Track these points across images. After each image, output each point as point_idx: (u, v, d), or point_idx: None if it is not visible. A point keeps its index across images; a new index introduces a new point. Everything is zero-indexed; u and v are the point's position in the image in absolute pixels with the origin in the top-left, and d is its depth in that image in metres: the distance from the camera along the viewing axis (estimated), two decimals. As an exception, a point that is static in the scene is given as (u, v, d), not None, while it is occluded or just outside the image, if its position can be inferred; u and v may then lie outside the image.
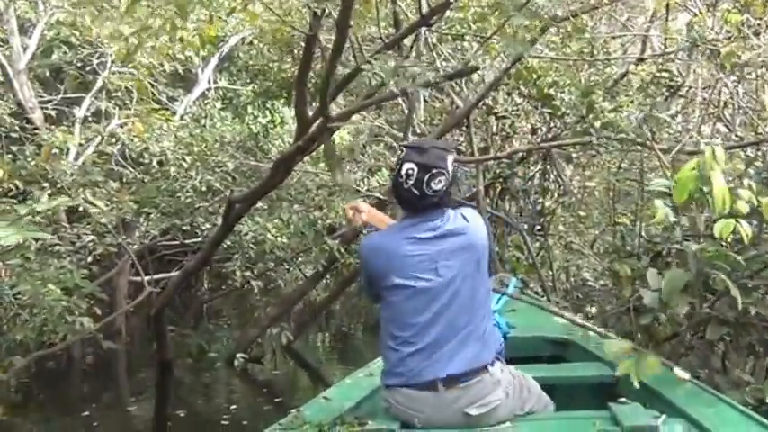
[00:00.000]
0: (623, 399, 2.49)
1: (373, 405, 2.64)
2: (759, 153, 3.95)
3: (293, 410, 2.51)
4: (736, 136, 4.65)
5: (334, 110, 4.79)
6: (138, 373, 7.25)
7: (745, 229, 2.71)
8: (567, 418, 2.50)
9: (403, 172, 2.29)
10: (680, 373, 2.74)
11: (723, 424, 2.28)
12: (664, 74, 3.97)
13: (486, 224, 2.44)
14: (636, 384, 2.61)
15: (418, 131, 7.81)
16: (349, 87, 5.74)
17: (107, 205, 4.83)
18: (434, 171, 2.28)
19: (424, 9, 3.96)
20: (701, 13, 4.99)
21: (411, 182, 2.28)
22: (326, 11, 3.61)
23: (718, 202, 2.68)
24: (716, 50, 3.64)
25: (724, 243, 3.01)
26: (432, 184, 2.28)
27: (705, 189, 2.94)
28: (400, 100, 6.90)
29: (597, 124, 4.46)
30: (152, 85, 7.75)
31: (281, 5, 5.32)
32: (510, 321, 2.88)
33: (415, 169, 2.27)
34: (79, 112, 7.40)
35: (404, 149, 2.39)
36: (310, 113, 4.38)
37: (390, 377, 2.35)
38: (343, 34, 3.56)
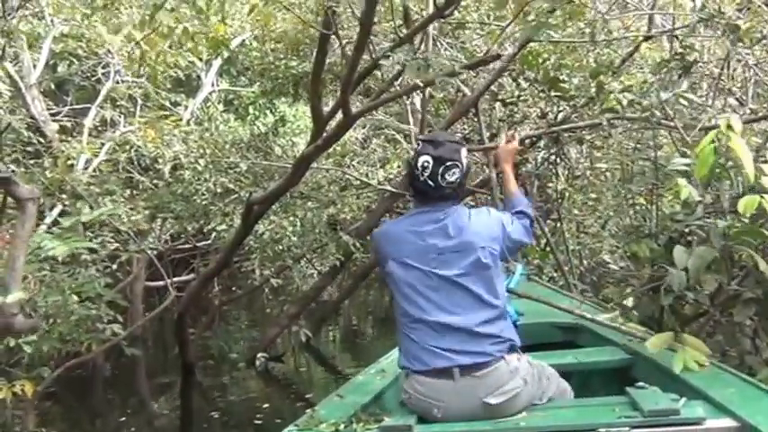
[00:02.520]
0: (641, 383, 2.49)
1: (388, 401, 2.66)
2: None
3: (308, 410, 2.53)
4: (750, 109, 4.62)
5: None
6: (161, 377, 7.30)
7: (772, 204, 2.70)
8: (586, 406, 2.49)
9: (419, 164, 2.41)
10: None
11: (744, 403, 2.26)
12: (682, 51, 3.92)
13: (495, 222, 2.48)
14: (677, 370, 2.60)
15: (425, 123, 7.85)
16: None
17: (127, 213, 4.87)
18: (449, 163, 2.39)
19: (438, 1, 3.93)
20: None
21: (427, 173, 2.39)
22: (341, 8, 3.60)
23: (748, 168, 2.67)
24: (731, 25, 3.61)
25: (746, 219, 3.00)
26: (446, 176, 2.39)
27: (725, 163, 2.94)
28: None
29: (609, 104, 4.43)
30: (156, 92, 7.78)
31: (299, 5, 5.32)
32: (518, 308, 2.87)
33: (431, 162, 2.39)
34: (87, 122, 7.44)
35: (420, 143, 2.52)
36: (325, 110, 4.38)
37: (403, 360, 2.41)
38: (367, 30, 3.56)
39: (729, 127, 2.70)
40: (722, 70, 4.43)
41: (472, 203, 7.43)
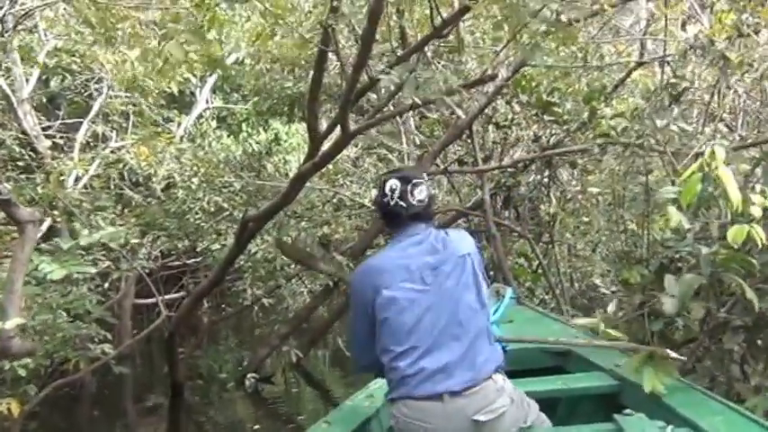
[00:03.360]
0: (628, 410, 2.49)
1: (376, 427, 2.64)
2: (765, 153, 3.96)
3: None
4: (739, 136, 4.67)
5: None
6: (149, 396, 7.21)
7: (760, 234, 2.73)
8: None
9: (387, 189, 2.46)
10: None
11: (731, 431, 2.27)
12: (674, 80, 3.98)
13: (474, 241, 2.52)
14: (647, 390, 2.62)
15: (417, 142, 7.90)
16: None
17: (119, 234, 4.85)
18: (415, 181, 2.45)
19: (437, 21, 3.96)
20: (696, 15, 5.03)
21: (396, 195, 2.43)
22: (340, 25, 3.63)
23: (733, 197, 2.69)
24: (719, 53, 3.66)
25: (737, 247, 3.02)
26: (415, 193, 2.44)
27: (712, 190, 2.97)
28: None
29: (601, 129, 4.48)
30: (150, 109, 7.79)
31: (299, 24, 5.36)
32: (506, 333, 2.87)
33: (398, 183, 2.45)
34: (78, 137, 7.42)
35: (383, 177, 2.59)
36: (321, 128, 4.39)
37: (394, 392, 2.39)
38: (368, 47, 3.58)
39: (714, 155, 2.73)
40: (712, 97, 4.48)
41: (466, 226, 7.46)
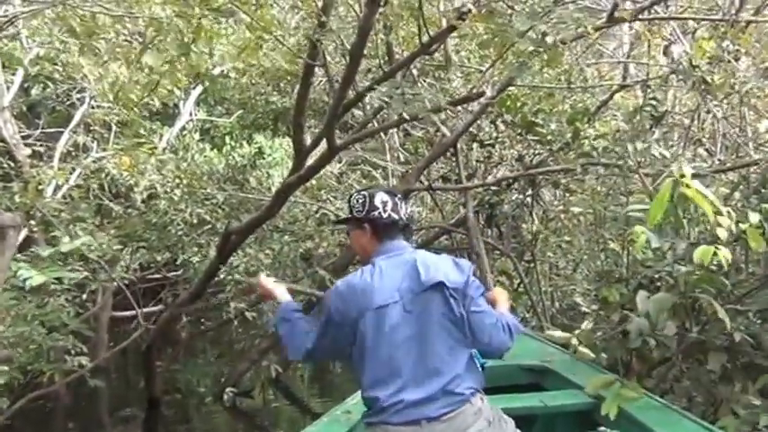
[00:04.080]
0: (602, 427, 2.52)
1: None
2: (743, 177, 4.03)
3: None
4: (718, 160, 4.75)
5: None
6: (125, 410, 7.10)
7: (725, 255, 2.77)
8: None
9: (378, 202, 2.42)
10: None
11: None
12: (651, 102, 4.05)
13: (462, 265, 2.42)
14: (607, 412, 2.67)
15: (402, 159, 7.93)
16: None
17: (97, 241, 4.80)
18: (399, 196, 2.48)
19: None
20: (678, 40, 5.14)
21: (389, 207, 2.41)
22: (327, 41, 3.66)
23: (708, 212, 2.74)
24: (700, 78, 3.73)
25: (711, 268, 3.06)
26: (404, 207, 2.45)
27: (681, 212, 3.01)
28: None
29: (584, 149, 4.54)
30: (132, 120, 7.73)
31: (286, 38, 5.38)
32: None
33: (388, 197, 2.43)
34: (59, 146, 7.34)
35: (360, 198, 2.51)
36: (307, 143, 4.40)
37: (372, 417, 2.34)
38: (356, 63, 3.60)
39: (683, 176, 2.78)
40: (692, 121, 4.56)
41: (447, 241, 7.48)
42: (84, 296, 5.29)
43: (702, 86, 3.77)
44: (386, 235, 2.43)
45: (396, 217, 2.41)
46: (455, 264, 2.39)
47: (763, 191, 3.26)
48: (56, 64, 7.06)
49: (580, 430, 2.60)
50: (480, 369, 2.47)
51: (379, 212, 2.41)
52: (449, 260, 2.42)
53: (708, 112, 4.31)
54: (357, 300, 2.32)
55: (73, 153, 7.65)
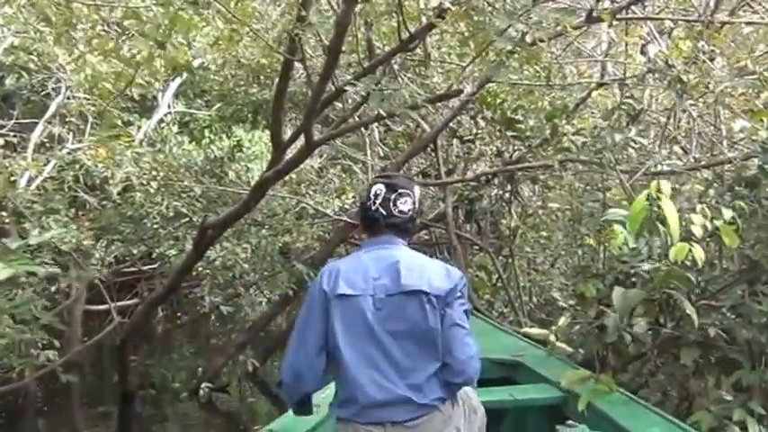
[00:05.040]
0: (571, 422, 2.56)
1: None
2: (717, 175, 4.09)
3: None
4: (693, 158, 4.81)
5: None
6: (98, 406, 7.01)
7: (699, 253, 2.82)
8: None
9: (372, 193, 2.35)
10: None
11: None
12: (628, 101, 4.10)
13: (452, 274, 2.33)
14: (581, 408, 2.72)
15: (381, 154, 7.92)
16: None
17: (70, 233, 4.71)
18: (401, 191, 2.34)
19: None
20: (654, 40, 5.19)
21: (379, 201, 2.32)
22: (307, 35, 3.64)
23: (674, 231, 2.81)
24: (676, 77, 3.78)
25: (686, 264, 3.11)
26: (398, 204, 2.32)
27: (656, 217, 3.07)
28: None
29: (562, 145, 4.58)
30: (109, 111, 7.61)
31: (265, 30, 5.33)
32: None
33: (383, 189, 2.34)
34: (33, 137, 7.20)
35: (375, 179, 2.49)
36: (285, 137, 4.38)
37: (339, 408, 2.31)
38: (335, 56, 3.58)
39: (660, 190, 2.84)
40: (668, 119, 4.62)
41: (426, 236, 7.49)
42: (54, 289, 5.19)
43: (678, 85, 3.82)
44: (370, 228, 2.37)
45: (382, 212, 2.31)
46: (445, 270, 2.31)
47: (736, 188, 3.30)
48: (31, 53, 6.92)
49: (550, 424, 2.64)
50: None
51: (369, 204, 2.34)
52: (438, 266, 2.35)
53: (684, 111, 4.36)
54: (330, 282, 2.28)
55: (47, 144, 7.51)
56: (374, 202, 2.33)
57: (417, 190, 2.41)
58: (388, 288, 2.24)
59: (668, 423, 2.57)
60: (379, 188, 2.34)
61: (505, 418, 3.20)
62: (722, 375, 3.21)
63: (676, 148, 5.44)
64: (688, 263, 3.06)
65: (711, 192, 3.83)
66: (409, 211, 2.33)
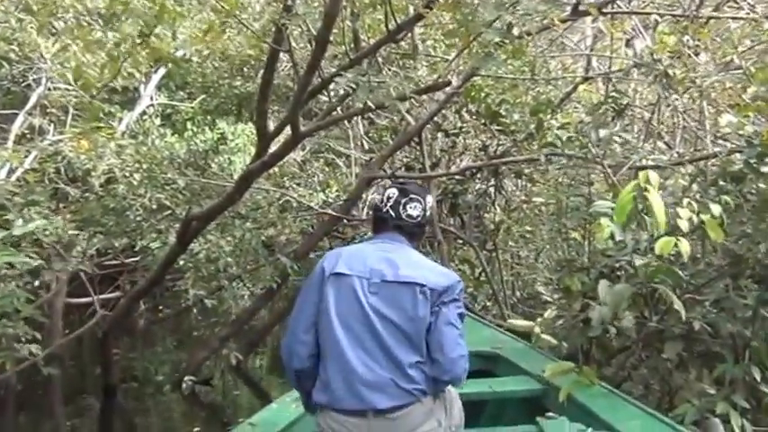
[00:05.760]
0: (550, 413, 2.59)
1: (299, 430, 2.63)
2: (700, 170, 4.13)
3: None
4: (677, 153, 4.84)
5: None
6: (80, 399, 6.94)
7: (685, 246, 2.84)
8: None
9: (386, 196, 2.50)
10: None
11: None
12: (614, 94, 4.12)
13: (450, 275, 2.43)
14: (561, 398, 2.75)
15: (366, 147, 7.90)
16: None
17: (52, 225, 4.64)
18: (412, 196, 2.47)
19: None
20: (640, 34, 5.22)
21: (390, 203, 2.46)
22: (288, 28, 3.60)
23: (660, 223, 2.82)
24: (662, 71, 3.80)
25: (671, 258, 3.14)
26: (408, 208, 2.45)
27: (642, 209, 3.09)
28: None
29: (547, 140, 4.59)
30: (91, 102, 7.51)
31: (252, 20, 5.27)
32: None
33: (396, 193, 2.48)
34: (14, 129, 7.09)
35: (391, 184, 2.64)
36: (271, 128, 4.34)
37: (318, 394, 2.35)
38: (322, 49, 3.56)
39: (648, 179, 2.85)
40: (653, 114, 4.64)
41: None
42: (37, 282, 5.12)
43: (664, 80, 3.84)
44: (378, 227, 2.51)
45: (392, 214, 2.45)
46: (443, 270, 2.46)
47: (720, 183, 3.33)
48: (11, 43, 6.80)
49: (529, 416, 2.66)
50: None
51: (381, 205, 2.49)
52: (437, 266, 2.51)
53: (668, 105, 4.40)
54: (330, 263, 2.39)
55: (28, 136, 7.40)
56: (386, 204, 2.47)
57: (430, 199, 2.55)
58: (384, 275, 2.33)
59: (647, 415, 2.61)
60: (393, 192, 2.48)
61: (485, 410, 3.23)
62: (705, 369, 3.24)
63: (660, 144, 5.49)
64: (671, 257, 3.09)
65: (695, 187, 3.87)
66: (418, 216, 2.46)
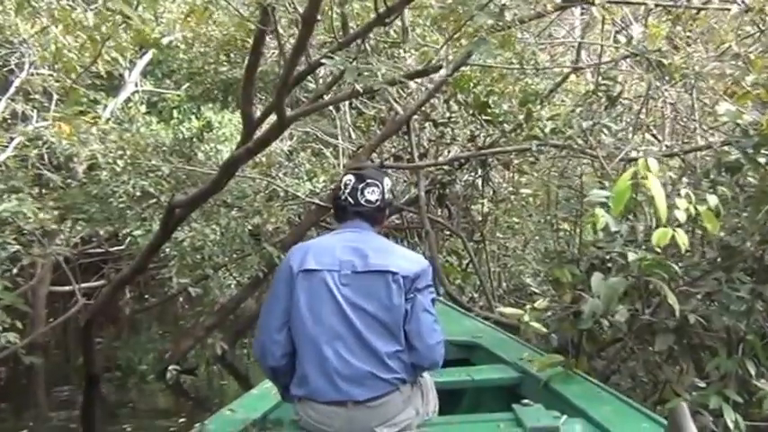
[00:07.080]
0: (527, 401, 2.62)
1: (279, 416, 2.64)
2: (687, 164, 4.12)
3: (197, 425, 2.49)
4: (666, 146, 4.82)
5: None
6: (62, 388, 6.85)
7: (683, 238, 2.82)
8: (472, 422, 2.64)
9: (343, 183, 2.51)
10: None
11: (619, 421, 2.46)
12: (607, 82, 4.09)
13: (420, 260, 2.45)
14: (540, 383, 2.83)
15: (353, 137, 7.83)
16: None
17: (33, 211, 4.55)
18: (369, 181, 2.48)
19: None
20: (630, 24, 5.18)
21: (348, 190, 2.47)
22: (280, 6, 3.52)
23: (661, 212, 2.77)
24: (655, 61, 3.77)
25: (662, 251, 3.11)
26: (366, 193, 2.46)
27: (640, 198, 3.06)
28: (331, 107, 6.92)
29: (537, 131, 4.55)
30: (74, 88, 7.38)
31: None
32: None
33: (353, 179, 2.49)
34: (-5, 114, 6.95)
35: (347, 171, 2.71)
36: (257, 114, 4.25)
37: (298, 388, 2.36)
38: (309, 30, 3.48)
39: (647, 166, 2.81)
40: (642, 105, 4.61)
41: (398, 220, 7.45)
42: (17, 270, 5.03)
43: (658, 69, 3.81)
44: (339, 216, 2.53)
45: (350, 200, 2.45)
46: (412, 255, 2.48)
47: (713, 175, 3.31)
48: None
49: (506, 404, 2.70)
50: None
51: (340, 193, 2.49)
52: (405, 251, 2.54)
53: (658, 97, 4.37)
54: (297, 260, 2.39)
55: (10, 122, 7.27)
56: (344, 192, 2.48)
57: (387, 181, 2.54)
58: (354, 265, 2.34)
59: (620, 402, 2.67)
60: (350, 178, 2.49)
61: (463, 399, 3.28)
62: (697, 362, 3.23)
63: (648, 136, 5.47)
64: (659, 249, 3.06)
65: (685, 179, 3.85)
66: (377, 201, 2.46)
